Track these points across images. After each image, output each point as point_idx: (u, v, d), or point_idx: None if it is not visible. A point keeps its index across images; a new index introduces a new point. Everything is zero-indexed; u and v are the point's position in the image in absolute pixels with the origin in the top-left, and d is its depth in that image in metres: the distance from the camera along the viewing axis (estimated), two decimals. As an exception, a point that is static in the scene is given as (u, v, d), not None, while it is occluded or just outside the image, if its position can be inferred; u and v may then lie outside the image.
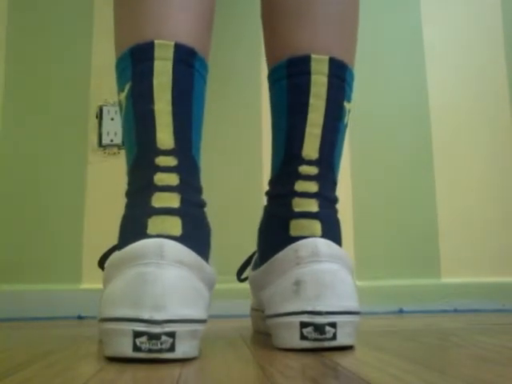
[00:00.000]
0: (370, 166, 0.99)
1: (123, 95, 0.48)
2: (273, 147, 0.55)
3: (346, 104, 0.53)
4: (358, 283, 0.86)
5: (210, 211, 0.48)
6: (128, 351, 0.40)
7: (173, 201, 0.45)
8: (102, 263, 0.54)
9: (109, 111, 0.95)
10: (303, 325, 0.45)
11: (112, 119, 0.95)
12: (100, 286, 0.48)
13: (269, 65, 0.57)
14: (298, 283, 0.47)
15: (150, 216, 0.44)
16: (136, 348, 0.39)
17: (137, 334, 0.39)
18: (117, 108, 0.95)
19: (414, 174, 0.99)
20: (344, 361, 0.41)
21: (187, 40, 0.48)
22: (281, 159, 0.53)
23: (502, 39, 1.04)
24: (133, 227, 0.44)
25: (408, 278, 0.95)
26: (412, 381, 0.34)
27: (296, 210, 0.50)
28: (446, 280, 0.96)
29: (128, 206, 0.47)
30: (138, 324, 0.39)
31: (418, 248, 0.97)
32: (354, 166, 0.98)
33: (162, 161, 0.46)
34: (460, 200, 0.99)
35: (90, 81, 0.97)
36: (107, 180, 0.94)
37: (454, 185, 1.00)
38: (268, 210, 0.54)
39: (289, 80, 0.52)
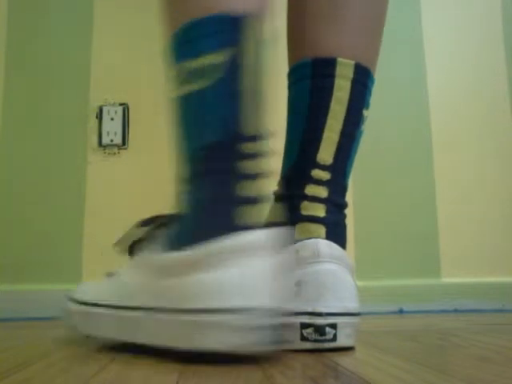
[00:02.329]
0: (370, 166, 0.99)
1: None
2: (285, 147, 0.55)
3: (364, 111, 0.54)
4: (358, 283, 0.85)
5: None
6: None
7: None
8: (130, 247, 0.51)
9: (109, 111, 0.95)
10: (303, 326, 0.45)
11: (112, 119, 0.95)
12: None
13: (290, 63, 0.56)
14: (298, 283, 0.46)
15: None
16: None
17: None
18: (116, 108, 0.95)
19: (413, 174, 0.99)
20: (344, 361, 0.41)
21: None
22: (293, 161, 0.52)
23: (502, 39, 1.04)
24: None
25: (408, 278, 0.95)
26: (412, 381, 0.34)
27: (303, 213, 0.50)
28: (446, 280, 0.96)
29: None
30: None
31: (418, 248, 0.97)
32: (354, 167, 0.98)
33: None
34: (460, 200, 0.99)
35: (89, 81, 0.97)
36: (107, 180, 0.94)
37: (454, 185, 1.00)
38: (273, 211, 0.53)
39: (312, 81, 0.52)
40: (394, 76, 1.02)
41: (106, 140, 0.95)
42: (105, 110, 0.95)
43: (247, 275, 0.39)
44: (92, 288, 0.52)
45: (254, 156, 0.43)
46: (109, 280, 0.50)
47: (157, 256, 0.45)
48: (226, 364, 0.39)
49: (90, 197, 0.94)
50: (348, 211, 0.52)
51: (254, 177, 0.43)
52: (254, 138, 0.44)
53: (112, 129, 0.95)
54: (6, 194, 0.93)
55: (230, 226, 0.41)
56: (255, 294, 0.39)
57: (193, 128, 0.45)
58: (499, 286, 0.95)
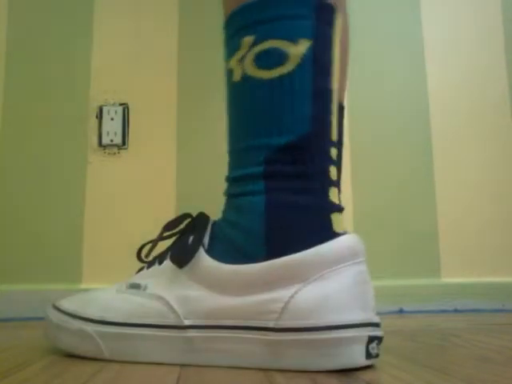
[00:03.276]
0: (370, 166, 0.99)
1: None
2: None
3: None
4: (358, 283, 0.85)
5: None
6: (361, 359, 0.37)
7: (336, 197, 0.42)
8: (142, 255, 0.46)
9: (109, 111, 0.95)
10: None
11: (112, 119, 0.95)
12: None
13: None
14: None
15: None
16: (368, 355, 0.37)
17: (371, 339, 0.37)
18: (116, 108, 0.95)
19: (414, 174, 0.99)
20: (344, 361, 0.41)
21: None
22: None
23: (502, 39, 1.04)
24: None
25: (408, 278, 0.95)
26: (412, 381, 0.34)
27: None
28: (446, 280, 0.96)
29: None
30: (370, 329, 0.37)
31: (418, 248, 0.97)
32: (354, 167, 0.98)
33: (333, 152, 0.42)
34: (460, 200, 0.99)
35: (90, 81, 0.97)
36: (107, 180, 0.94)
37: (454, 185, 1.00)
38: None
39: None
40: (394, 76, 1.02)
41: (105, 140, 0.95)
42: (105, 109, 0.95)
43: (350, 286, 0.37)
44: (110, 303, 0.43)
45: (337, 162, 0.42)
46: (138, 294, 0.42)
47: (230, 268, 0.39)
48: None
49: (89, 197, 0.94)
50: (348, 211, 0.52)
51: (337, 184, 0.42)
52: (336, 144, 0.42)
53: (112, 129, 0.95)
54: (6, 194, 0.92)
55: (329, 235, 0.39)
56: (367, 307, 0.38)
57: (277, 120, 0.40)
58: (499, 286, 0.95)
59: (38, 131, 0.95)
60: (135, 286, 0.43)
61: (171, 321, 0.40)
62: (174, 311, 0.40)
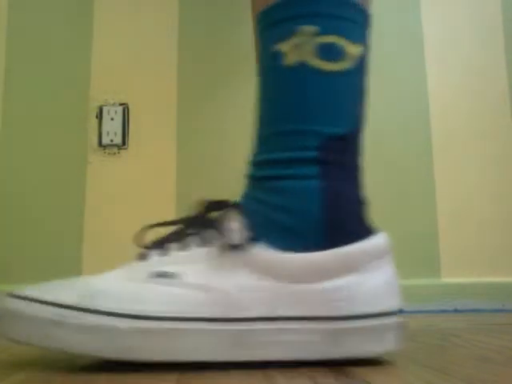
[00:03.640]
0: (370, 166, 0.98)
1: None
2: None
3: None
4: (358, 283, 0.85)
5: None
6: (401, 343, 0.40)
7: None
8: (167, 240, 0.42)
9: (109, 111, 0.95)
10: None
11: (112, 119, 0.95)
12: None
13: None
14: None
15: None
16: (397, 342, 0.40)
17: (399, 326, 0.40)
18: (116, 108, 0.95)
19: (413, 174, 0.99)
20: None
21: None
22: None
23: (502, 39, 1.04)
24: None
25: (408, 278, 0.95)
26: (412, 381, 0.34)
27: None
28: (446, 280, 0.96)
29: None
30: (398, 316, 0.41)
31: (417, 248, 0.97)
32: (354, 166, 0.98)
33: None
34: (460, 200, 0.99)
35: (90, 81, 0.97)
36: (107, 180, 0.94)
37: (454, 185, 1.00)
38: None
39: None
40: (393, 76, 1.02)
41: (105, 140, 0.95)
42: (105, 109, 0.95)
43: (392, 277, 0.41)
44: (138, 295, 0.38)
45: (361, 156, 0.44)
46: (173, 283, 0.38)
47: (290, 256, 0.38)
48: (226, 364, 0.39)
49: (89, 197, 0.94)
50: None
51: (361, 177, 0.44)
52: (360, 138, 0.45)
53: (112, 129, 0.95)
54: (5, 194, 0.93)
55: (371, 226, 0.43)
56: (400, 294, 0.41)
57: (332, 111, 0.42)
58: (499, 286, 0.95)
59: (38, 131, 0.95)
60: (166, 275, 0.39)
61: (225, 313, 0.37)
62: (228, 302, 0.37)
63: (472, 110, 1.02)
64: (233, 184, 0.96)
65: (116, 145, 0.95)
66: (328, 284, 0.38)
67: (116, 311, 0.37)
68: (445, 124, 1.01)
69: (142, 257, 0.42)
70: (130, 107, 0.96)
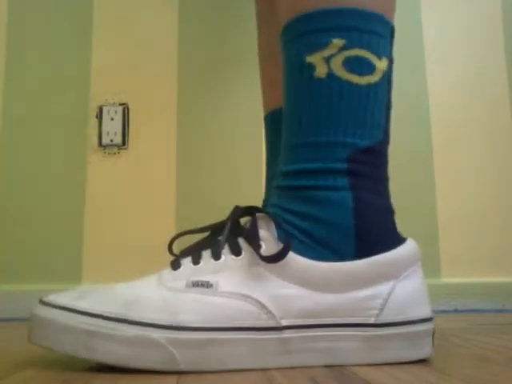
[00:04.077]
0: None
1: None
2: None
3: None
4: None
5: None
6: (432, 349, 0.42)
7: None
8: (196, 248, 0.43)
9: (109, 111, 0.95)
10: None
11: (112, 119, 0.95)
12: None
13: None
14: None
15: None
16: (432, 347, 0.42)
17: (433, 332, 0.42)
18: (116, 108, 0.95)
19: (413, 174, 0.99)
20: (344, 361, 0.41)
21: None
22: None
23: (502, 39, 1.04)
24: None
25: (408, 278, 0.95)
26: (412, 381, 0.34)
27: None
28: (446, 280, 0.96)
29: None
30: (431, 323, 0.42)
31: (418, 248, 0.97)
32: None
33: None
34: (460, 199, 0.99)
35: (90, 81, 0.97)
36: (107, 180, 0.94)
37: (454, 184, 1.00)
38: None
39: None
40: (393, 76, 1.02)
41: (105, 140, 0.95)
42: (105, 110, 0.95)
43: (422, 283, 0.43)
44: (176, 305, 0.38)
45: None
46: (210, 293, 0.39)
47: (327, 265, 0.40)
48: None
49: (89, 197, 0.94)
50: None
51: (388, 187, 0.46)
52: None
53: (112, 129, 0.95)
54: (5, 194, 0.92)
55: (400, 235, 0.45)
56: (429, 302, 0.43)
57: (362, 123, 0.43)
58: (499, 286, 0.95)
59: (38, 131, 0.95)
60: (203, 285, 0.39)
61: (265, 322, 0.38)
62: (267, 311, 0.38)
63: (472, 110, 1.02)
64: (233, 184, 0.96)
65: (116, 145, 0.95)
66: (362, 293, 0.40)
67: (155, 322, 0.37)
68: (445, 124, 1.01)
69: (176, 265, 0.42)
70: (130, 107, 0.96)
